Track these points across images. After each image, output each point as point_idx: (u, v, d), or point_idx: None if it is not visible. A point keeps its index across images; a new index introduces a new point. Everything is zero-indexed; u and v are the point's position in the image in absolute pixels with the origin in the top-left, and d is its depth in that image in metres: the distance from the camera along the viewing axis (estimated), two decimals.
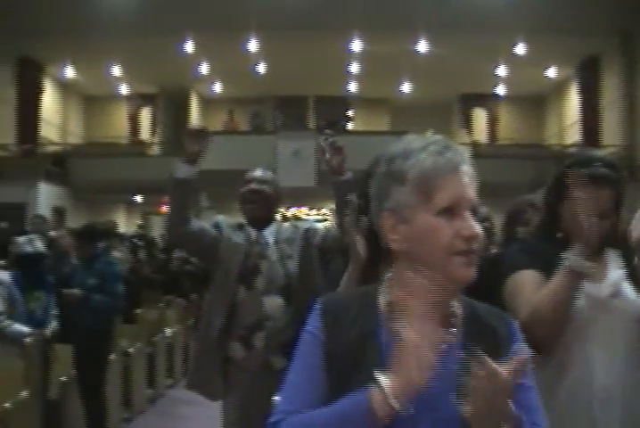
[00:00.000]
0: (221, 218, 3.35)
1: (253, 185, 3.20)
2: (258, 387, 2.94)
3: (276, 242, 3.18)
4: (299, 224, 3.39)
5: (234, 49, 16.14)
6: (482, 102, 20.73)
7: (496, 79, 18.25)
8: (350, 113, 21.23)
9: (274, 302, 3.06)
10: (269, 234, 3.20)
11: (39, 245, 5.11)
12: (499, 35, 14.75)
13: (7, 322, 4.58)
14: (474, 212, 1.26)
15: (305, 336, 1.32)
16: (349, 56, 16.97)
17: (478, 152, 16.35)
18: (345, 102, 20.84)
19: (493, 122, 20.94)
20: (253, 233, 3.20)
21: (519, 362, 1.16)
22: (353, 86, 19.56)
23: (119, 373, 6.07)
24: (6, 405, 4.10)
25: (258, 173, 3.27)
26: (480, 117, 21.01)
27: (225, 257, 3.14)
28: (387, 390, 1.13)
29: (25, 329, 4.59)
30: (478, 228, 1.24)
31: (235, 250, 3.14)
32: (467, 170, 1.27)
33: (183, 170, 3.06)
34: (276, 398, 1.44)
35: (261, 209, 3.22)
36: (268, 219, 3.26)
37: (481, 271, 1.26)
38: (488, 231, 2.91)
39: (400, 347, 1.14)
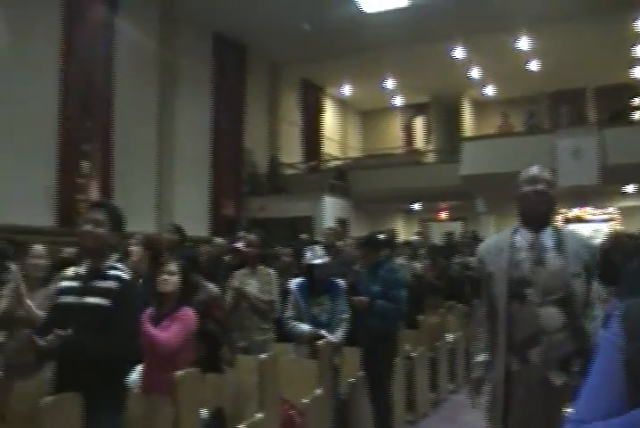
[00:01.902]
0: None
1: (541, 186, 2.96)
2: (537, 403, 2.77)
3: (555, 246, 2.97)
4: (578, 235, 3.11)
5: (505, 49, 15.81)
6: None
7: None
8: (638, 101, 19.46)
9: (550, 314, 2.83)
10: (547, 237, 2.99)
11: (325, 255, 5.43)
12: None
13: (293, 323, 5.04)
14: None
15: (604, 343, 1.27)
16: (636, 38, 15.63)
17: None
18: (630, 89, 19.16)
19: None
20: (528, 236, 3.00)
21: None
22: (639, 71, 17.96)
23: (404, 376, 6.22)
24: (305, 400, 4.45)
25: (543, 173, 3.01)
26: None
27: (491, 263, 3.02)
28: None
29: (306, 327, 4.97)
30: None
31: (505, 256, 2.98)
32: None
33: None
34: (569, 409, 1.37)
35: (545, 210, 3.03)
36: (547, 222, 3.05)
37: None
38: None
39: None
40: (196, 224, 13.80)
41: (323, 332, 4.96)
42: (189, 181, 14.65)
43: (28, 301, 4.14)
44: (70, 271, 3.16)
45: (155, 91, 14.14)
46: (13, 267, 4.94)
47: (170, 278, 3.76)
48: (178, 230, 6.03)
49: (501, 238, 3.10)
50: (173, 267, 3.80)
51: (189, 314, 3.68)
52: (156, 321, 3.58)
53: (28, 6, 10.76)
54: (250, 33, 15.61)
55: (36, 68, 11.18)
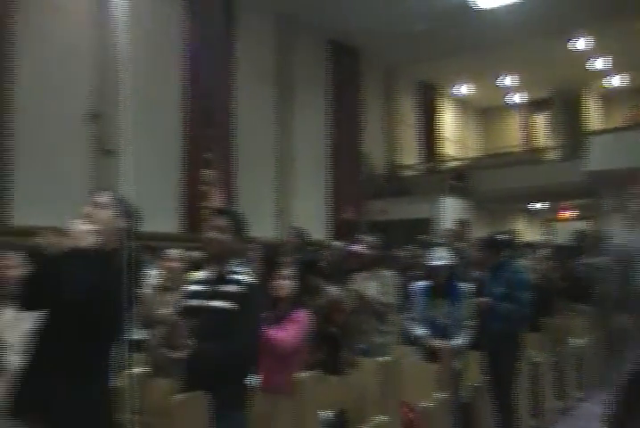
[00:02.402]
0: None
1: None
2: None
3: None
4: None
5: (632, 35, 15.00)
6: None
7: None
8: None
9: None
10: None
11: (446, 256, 5.37)
12: None
13: (410, 326, 5.01)
14: None
15: None
16: None
17: None
18: None
19: None
20: None
21: None
22: None
23: (528, 381, 6.04)
24: (425, 404, 4.43)
25: None
26: None
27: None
28: None
29: (422, 332, 4.94)
30: None
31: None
32: None
33: None
34: None
35: None
36: None
37: None
38: None
39: None
40: (315, 228, 14.01)
41: (437, 342, 4.90)
42: (308, 186, 14.91)
43: (167, 300, 4.35)
44: (198, 275, 3.30)
45: (273, 98, 14.51)
46: (153, 271, 5.25)
47: (284, 283, 3.84)
48: (300, 234, 6.13)
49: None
50: (287, 271, 3.88)
51: (303, 316, 3.75)
52: (271, 323, 3.68)
53: (155, 21, 11.38)
54: (364, 37, 15.68)
55: (163, 79, 11.78)
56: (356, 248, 6.17)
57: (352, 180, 16.50)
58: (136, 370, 4.18)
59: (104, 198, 2.65)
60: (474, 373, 5.25)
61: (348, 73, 16.58)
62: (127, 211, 2.67)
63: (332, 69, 16.23)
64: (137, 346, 4.68)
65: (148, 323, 4.33)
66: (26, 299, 2.50)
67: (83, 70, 10.88)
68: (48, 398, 2.39)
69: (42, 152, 10.34)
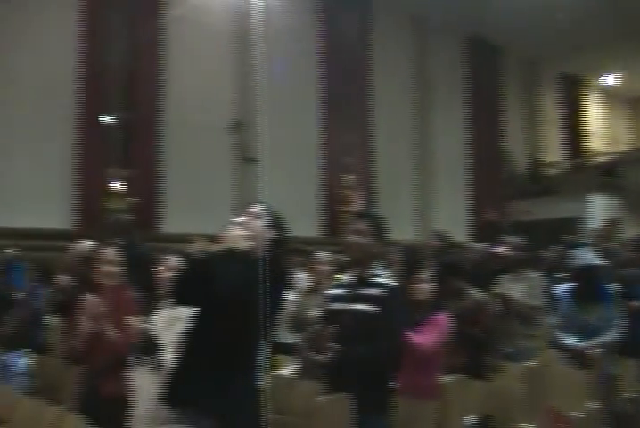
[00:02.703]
0: None
1: None
2: None
3: None
4: None
5: None
6: None
7: None
8: None
9: None
10: None
11: (594, 257, 5.12)
12: None
13: (558, 330, 4.78)
14: None
15: None
16: None
17: None
18: None
19: None
20: None
21: None
22: None
23: None
24: (577, 414, 4.22)
25: None
26: None
27: None
28: None
29: (569, 336, 4.70)
30: None
31: None
32: None
33: None
34: None
35: None
36: None
37: None
38: None
39: None
40: (457, 230, 13.78)
41: (586, 347, 4.66)
42: (448, 187, 14.71)
43: (316, 303, 4.44)
44: (341, 278, 3.35)
45: (411, 100, 14.44)
46: (302, 274, 5.39)
47: (423, 286, 3.80)
48: (441, 236, 6.07)
49: None
50: (427, 274, 3.84)
51: (443, 320, 3.70)
52: (413, 327, 3.65)
53: (291, 32, 11.66)
54: (504, 33, 15.26)
55: (300, 87, 12.05)
56: (500, 249, 6.02)
57: (494, 180, 16.09)
58: (283, 372, 4.32)
59: (257, 209, 2.77)
60: (631, 382, 4.95)
61: (487, 71, 16.21)
62: (277, 222, 2.77)
63: (470, 67, 15.92)
64: (287, 348, 4.84)
65: (297, 326, 4.44)
66: (182, 297, 2.65)
67: (225, 82, 11.36)
68: (200, 396, 2.51)
69: (189, 161, 10.90)
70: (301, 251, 6.98)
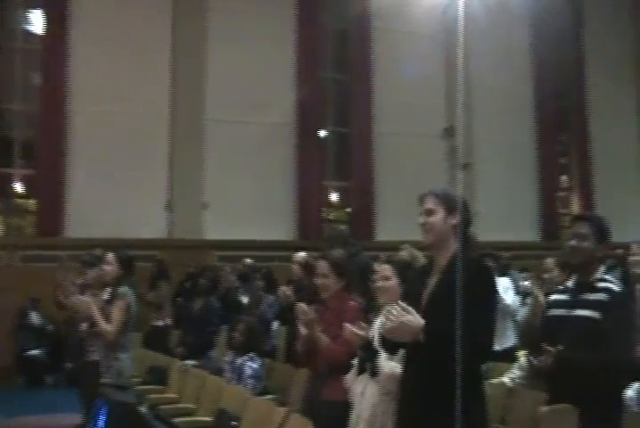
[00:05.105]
0: None
1: None
2: None
3: None
4: None
5: None
6: None
7: None
8: None
9: None
10: None
11: None
12: None
13: None
14: None
15: None
16: None
17: None
18: None
19: None
20: None
21: None
22: None
23: None
24: None
25: None
26: None
27: None
28: None
29: None
30: None
31: None
32: None
33: None
34: None
35: None
36: None
37: None
38: None
39: None
40: None
41: None
42: None
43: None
44: (567, 284, 3.20)
45: (633, 94, 13.42)
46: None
47: None
48: None
49: None
50: None
51: None
52: None
53: (499, 35, 11.39)
54: None
55: (512, 87, 11.71)
56: None
57: None
58: (505, 380, 4.21)
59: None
60: None
61: None
62: (463, 206, 2.66)
63: None
64: (506, 355, 4.71)
65: (523, 333, 4.31)
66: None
67: (436, 88, 11.35)
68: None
69: (399, 169, 11.05)
70: (520, 256, 6.80)
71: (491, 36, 10.67)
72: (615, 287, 2.97)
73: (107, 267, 4.62)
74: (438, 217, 2.59)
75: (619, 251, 5.09)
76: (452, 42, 10.95)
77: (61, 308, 5.41)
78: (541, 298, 4.36)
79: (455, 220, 2.55)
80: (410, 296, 2.65)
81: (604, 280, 3.01)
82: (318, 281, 3.82)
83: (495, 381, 4.27)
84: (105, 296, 4.63)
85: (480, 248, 2.78)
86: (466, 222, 2.56)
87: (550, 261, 4.68)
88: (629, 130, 13.25)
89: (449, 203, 2.58)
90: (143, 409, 2.67)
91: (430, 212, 2.61)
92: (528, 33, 12.39)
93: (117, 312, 4.42)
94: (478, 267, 2.52)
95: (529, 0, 12.30)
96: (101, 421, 2.49)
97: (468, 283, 2.18)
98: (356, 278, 4.12)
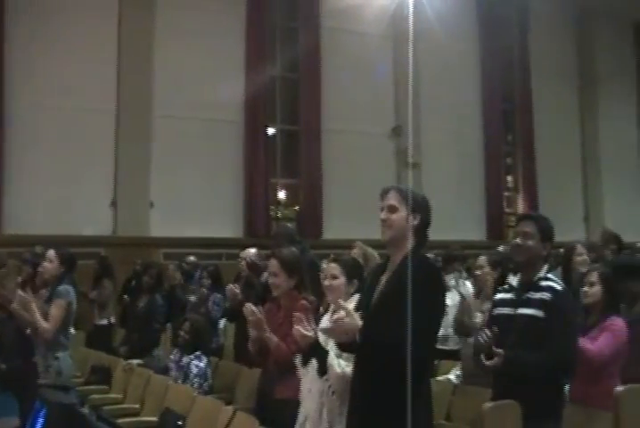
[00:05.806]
0: None
1: None
2: None
3: None
4: None
5: None
6: None
7: None
8: None
9: None
10: None
11: None
12: None
13: None
14: None
15: None
16: None
17: None
18: None
19: None
20: None
21: None
22: None
23: None
24: None
25: None
26: None
27: None
28: None
29: None
30: None
31: None
32: None
33: None
34: None
35: None
36: None
37: None
38: None
39: None
40: (628, 230, 12.91)
41: None
42: (618, 186, 13.77)
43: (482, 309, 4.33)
44: (510, 282, 3.25)
45: (575, 96, 13.76)
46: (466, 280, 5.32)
47: (592, 290, 3.59)
48: (613, 238, 5.73)
49: None
50: (594, 277, 3.63)
51: (619, 325, 3.47)
52: (583, 332, 3.46)
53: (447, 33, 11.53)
54: None
55: (459, 87, 11.88)
56: None
57: None
58: (450, 377, 4.27)
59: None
60: None
61: None
62: (421, 205, 2.67)
63: (638, 55, 14.88)
64: (451, 354, 4.78)
65: (463, 331, 4.37)
66: None
67: (385, 87, 11.43)
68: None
69: (348, 167, 11.09)
70: (458, 256, 6.86)
71: (440, 38, 10.77)
72: (558, 286, 3.03)
73: (47, 265, 4.51)
74: (401, 215, 2.57)
75: (561, 251, 5.20)
76: (401, 42, 11.08)
77: None
78: (469, 297, 4.44)
79: (416, 221, 2.55)
80: (364, 293, 2.67)
81: (548, 279, 3.07)
82: (270, 280, 3.80)
83: (440, 378, 4.33)
84: (45, 294, 4.52)
85: (428, 247, 2.80)
86: (426, 223, 2.58)
87: (482, 259, 4.76)
88: (572, 131, 13.58)
89: (413, 203, 2.56)
90: (84, 410, 2.59)
91: (392, 209, 2.59)
92: (475, 36, 12.56)
93: (56, 310, 4.30)
94: (428, 269, 2.53)
95: (476, 4, 12.54)
96: (39, 424, 2.41)
97: (416, 284, 2.20)
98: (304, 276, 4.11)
